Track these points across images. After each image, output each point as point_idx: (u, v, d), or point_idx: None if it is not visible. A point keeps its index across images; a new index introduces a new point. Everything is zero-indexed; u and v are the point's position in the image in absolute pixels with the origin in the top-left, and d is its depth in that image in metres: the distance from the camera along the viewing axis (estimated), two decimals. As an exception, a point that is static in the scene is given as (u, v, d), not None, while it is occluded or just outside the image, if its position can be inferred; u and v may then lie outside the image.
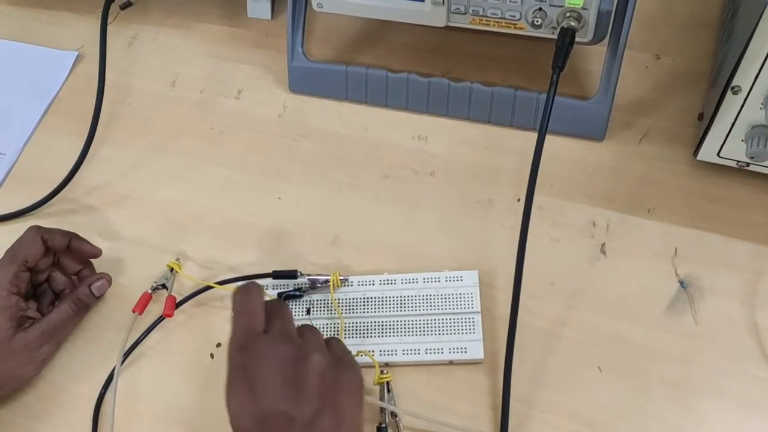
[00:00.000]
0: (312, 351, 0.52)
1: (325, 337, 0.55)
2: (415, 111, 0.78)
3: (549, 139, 0.71)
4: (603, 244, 0.68)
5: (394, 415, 0.60)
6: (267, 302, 0.56)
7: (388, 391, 0.60)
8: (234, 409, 0.51)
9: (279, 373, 0.50)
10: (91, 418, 0.63)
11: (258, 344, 0.52)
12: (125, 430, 0.62)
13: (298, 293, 0.66)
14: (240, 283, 0.63)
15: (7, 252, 0.65)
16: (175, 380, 0.64)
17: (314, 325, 0.57)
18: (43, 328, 0.63)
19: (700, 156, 0.68)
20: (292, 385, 0.50)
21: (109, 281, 0.68)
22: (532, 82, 0.75)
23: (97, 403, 0.63)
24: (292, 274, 0.67)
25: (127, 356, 0.65)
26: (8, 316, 0.62)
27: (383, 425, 0.59)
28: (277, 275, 0.67)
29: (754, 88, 0.60)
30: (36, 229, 0.66)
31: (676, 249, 0.66)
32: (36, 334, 0.62)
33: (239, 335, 0.53)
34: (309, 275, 0.67)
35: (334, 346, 0.55)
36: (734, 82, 0.60)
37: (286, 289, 0.66)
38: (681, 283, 0.65)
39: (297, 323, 0.56)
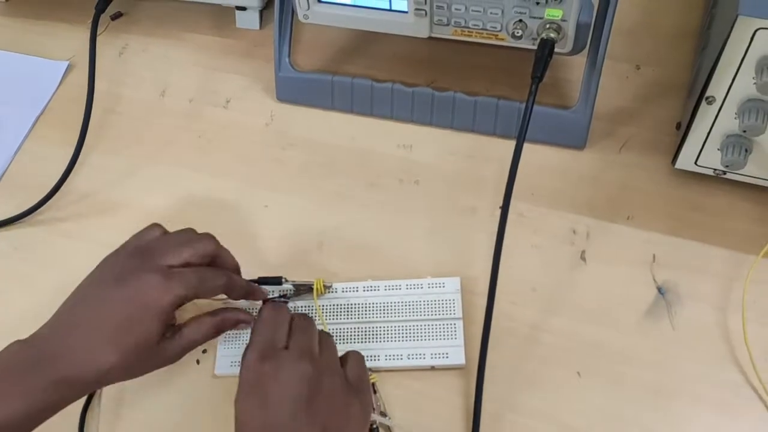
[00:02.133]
0: (328, 373, 0.54)
1: (343, 352, 0.58)
2: (400, 120, 0.79)
3: (530, 147, 0.73)
4: (583, 251, 0.69)
5: (383, 414, 0.61)
6: (294, 315, 0.58)
7: (375, 392, 0.61)
8: (243, 413, 0.53)
9: (293, 391, 0.52)
10: (77, 424, 0.64)
11: (278, 359, 0.54)
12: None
13: (283, 299, 0.67)
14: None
15: (190, 272, 0.58)
16: (162, 386, 0.65)
17: (331, 334, 0.60)
18: (183, 346, 0.59)
19: (678, 164, 0.69)
20: (302, 404, 0.52)
21: (249, 323, 0.63)
22: (515, 91, 0.76)
23: (83, 411, 0.64)
24: (277, 281, 0.68)
25: (115, 362, 0.66)
26: (161, 329, 0.57)
27: (374, 426, 0.60)
28: (262, 281, 0.68)
29: (727, 98, 0.61)
30: (228, 277, 0.61)
31: (654, 256, 0.68)
32: (177, 351, 0.59)
33: (261, 345, 0.55)
34: (294, 281, 0.68)
35: (350, 366, 0.57)
36: (708, 93, 0.62)
37: (271, 296, 0.67)
38: (659, 289, 0.66)
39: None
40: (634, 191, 0.72)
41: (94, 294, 0.58)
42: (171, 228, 0.73)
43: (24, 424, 0.53)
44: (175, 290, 0.57)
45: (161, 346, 0.58)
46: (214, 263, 0.62)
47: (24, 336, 0.56)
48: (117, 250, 0.61)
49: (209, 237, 0.62)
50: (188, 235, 0.62)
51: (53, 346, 0.55)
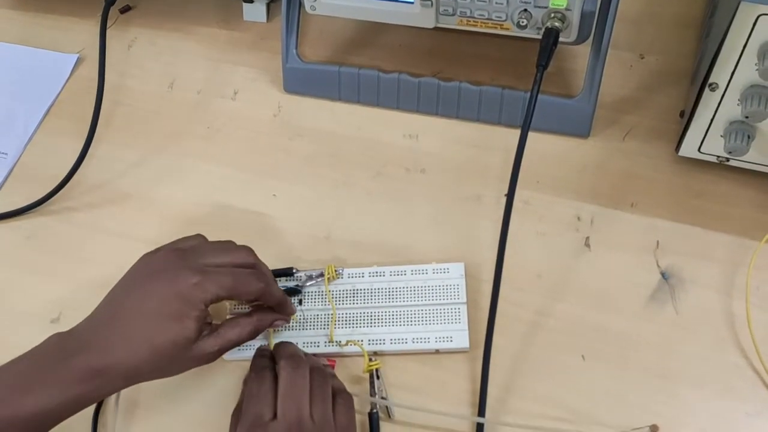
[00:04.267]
0: None
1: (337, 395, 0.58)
2: (406, 110, 0.80)
3: (536, 136, 0.73)
4: (587, 238, 0.69)
5: (384, 398, 0.62)
6: (280, 376, 0.57)
7: (378, 377, 0.62)
8: None
9: None
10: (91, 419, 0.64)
11: None
12: (124, 419, 0.64)
13: (297, 288, 0.68)
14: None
15: (226, 272, 0.59)
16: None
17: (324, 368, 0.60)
18: (220, 344, 0.59)
19: (682, 152, 0.70)
20: None
21: (286, 321, 0.65)
22: (520, 81, 0.77)
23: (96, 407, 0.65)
24: (288, 272, 0.69)
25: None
26: (198, 326, 0.57)
27: (374, 411, 0.61)
28: (274, 274, 0.68)
29: (730, 84, 0.62)
30: (265, 284, 0.61)
31: (658, 242, 0.68)
32: (214, 350, 0.59)
33: (248, 421, 0.55)
34: (305, 271, 0.69)
35: (338, 414, 0.57)
36: (711, 79, 0.62)
37: (285, 286, 0.68)
38: (662, 274, 0.67)
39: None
40: (638, 179, 0.72)
41: (132, 289, 0.58)
42: (175, 223, 0.74)
43: (58, 414, 0.54)
44: (211, 288, 0.57)
45: (197, 345, 0.57)
46: None
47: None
48: (156, 249, 0.62)
49: (248, 248, 0.63)
50: (228, 243, 0.63)
51: (90, 337, 0.56)
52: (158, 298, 0.56)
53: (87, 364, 0.54)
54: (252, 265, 0.62)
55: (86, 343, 0.55)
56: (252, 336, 0.62)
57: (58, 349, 0.55)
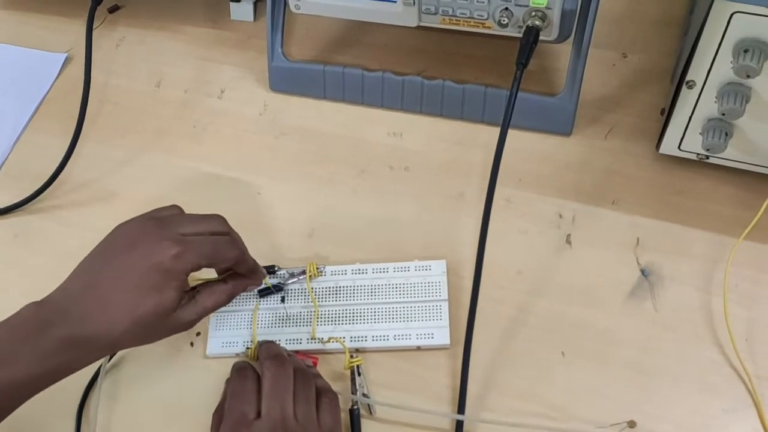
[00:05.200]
0: None
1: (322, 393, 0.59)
2: (391, 108, 0.80)
3: (518, 134, 0.74)
4: (569, 235, 0.70)
5: (365, 396, 0.62)
6: (264, 374, 0.58)
7: (359, 374, 0.63)
8: None
9: None
10: (78, 403, 0.65)
11: None
12: (108, 416, 0.65)
13: (280, 285, 0.68)
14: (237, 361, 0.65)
15: (205, 240, 0.59)
16: (157, 368, 0.67)
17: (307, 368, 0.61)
18: (199, 313, 0.59)
19: (662, 149, 0.70)
20: None
21: (258, 285, 0.66)
22: (503, 79, 0.77)
23: (85, 390, 0.65)
24: (270, 269, 0.69)
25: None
26: (178, 296, 0.57)
27: (355, 407, 0.62)
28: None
29: (707, 82, 0.62)
30: (240, 251, 0.61)
31: (638, 239, 0.69)
32: (192, 318, 0.58)
33: (232, 420, 0.56)
34: (287, 269, 0.69)
35: (323, 416, 0.57)
36: (688, 77, 0.63)
37: (267, 283, 0.68)
38: (642, 271, 0.67)
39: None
40: (620, 176, 0.73)
41: (110, 259, 0.57)
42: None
43: (34, 384, 0.54)
44: (191, 258, 0.56)
45: (177, 314, 0.57)
46: None
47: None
48: (132, 219, 0.61)
49: (220, 216, 0.63)
50: (202, 214, 0.63)
51: (69, 307, 0.55)
52: (139, 271, 0.55)
53: (66, 334, 0.53)
54: (226, 233, 0.61)
55: (65, 314, 0.54)
56: (227, 302, 0.61)
57: (35, 319, 0.55)
